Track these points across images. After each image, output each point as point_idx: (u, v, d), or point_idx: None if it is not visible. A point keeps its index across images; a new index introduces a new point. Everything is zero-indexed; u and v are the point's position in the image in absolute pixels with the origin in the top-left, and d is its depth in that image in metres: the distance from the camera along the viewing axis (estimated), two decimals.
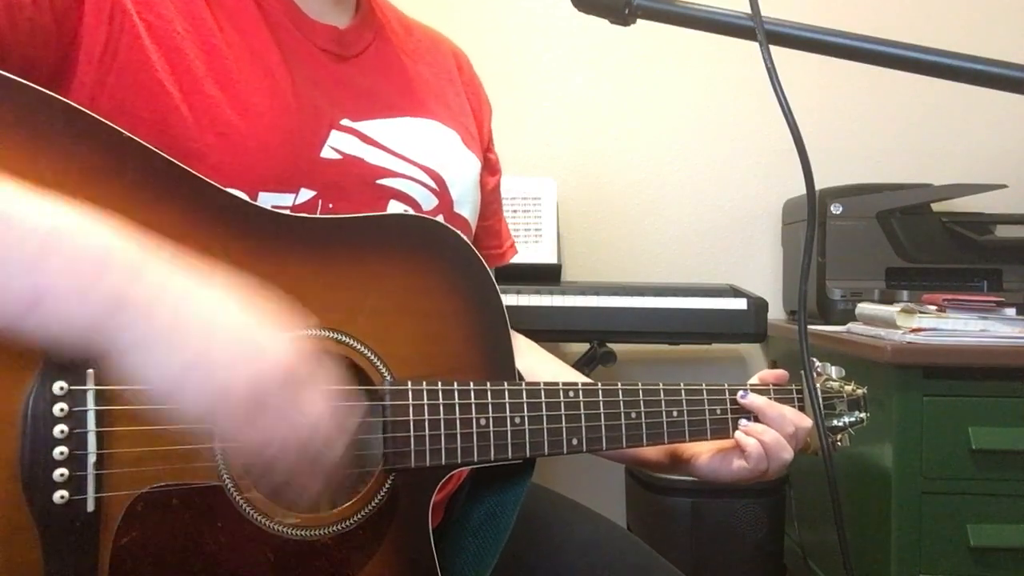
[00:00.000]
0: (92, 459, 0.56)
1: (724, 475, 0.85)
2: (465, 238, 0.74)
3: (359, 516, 0.66)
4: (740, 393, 0.85)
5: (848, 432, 0.92)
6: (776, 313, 1.87)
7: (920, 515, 1.33)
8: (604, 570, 0.84)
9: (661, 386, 0.81)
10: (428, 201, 0.80)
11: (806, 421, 0.85)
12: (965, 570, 1.33)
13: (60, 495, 0.54)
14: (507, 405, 0.73)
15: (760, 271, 2.05)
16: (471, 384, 0.71)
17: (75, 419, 0.55)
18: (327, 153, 0.74)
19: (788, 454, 0.83)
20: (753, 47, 0.69)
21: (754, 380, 0.90)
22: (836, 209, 1.73)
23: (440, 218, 0.80)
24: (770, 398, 0.86)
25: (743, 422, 0.84)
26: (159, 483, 0.58)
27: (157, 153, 0.61)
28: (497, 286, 0.76)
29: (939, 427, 1.32)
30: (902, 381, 1.33)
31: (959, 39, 1.91)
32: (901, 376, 1.33)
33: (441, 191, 0.82)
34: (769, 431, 0.83)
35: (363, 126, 0.77)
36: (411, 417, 0.68)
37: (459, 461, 0.70)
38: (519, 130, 2.02)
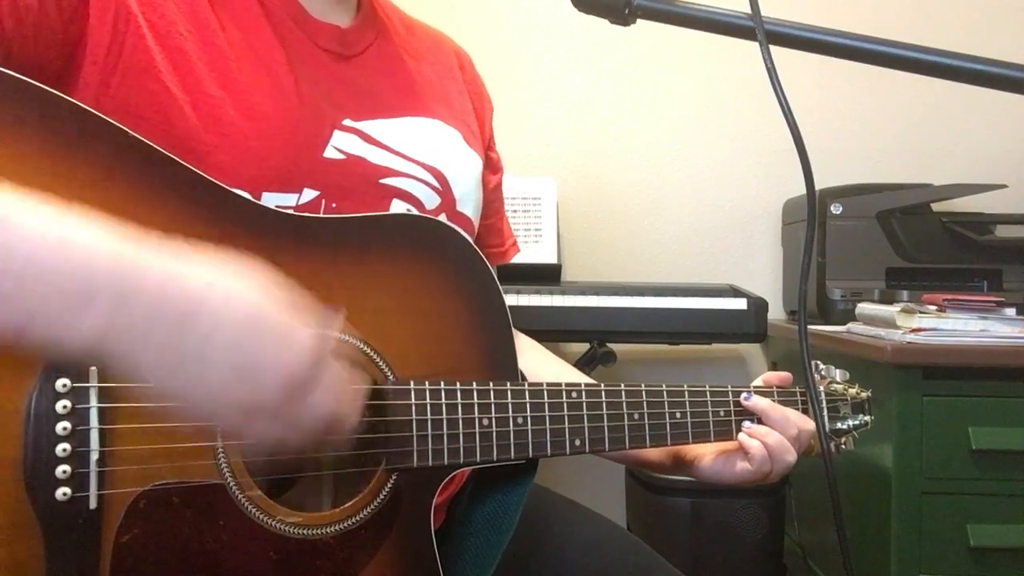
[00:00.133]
0: (95, 456, 0.56)
1: (727, 477, 0.85)
2: (468, 237, 0.74)
3: (361, 515, 0.66)
4: (743, 395, 0.85)
5: (852, 435, 0.92)
6: (776, 313, 1.87)
7: (920, 515, 1.33)
8: (605, 571, 0.84)
9: (664, 387, 0.81)
10: (431, 200, 0.80)
11: (810, 423, 0.85)
12: (965, 570, 1.33)
13: (63, 492, 0.55)
14: (510, 405, 0.73)
15: (760, 271, 2.05)
16: (474, 384, 0.71)
17: (78, 416, 0.55)
18: (330, 153, 0.74)
19: (792, 456, 0.83)
20: (753, 47, 0.69)
21: (758, 382, 0.90)
22: (836, 209, 1.73)
23: (443, 217, 0.80)
24: (774, 400, 0.85)
25: (747, 424, 0.84)
26: (161, 481, 0.58)
27: (162, 152, 0.61)
28: (500, 286, 0.76)
29: (939, 427, 1.33)
30: (902, 381, 1.33)
31: (959, 39, 1.91)
32: (901, 376, 1.33)
33: (444, 190, 0.82)
34: (773, 433, 0.83)
35: (365, 126, 0.77)
36: (414, 417, 0.68)
37: (461, 461, 0.70)
38: (519, 130, 2.02)
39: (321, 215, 0.72)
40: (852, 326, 1.56)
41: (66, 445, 0.55)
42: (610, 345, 1.64)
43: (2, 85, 0.55)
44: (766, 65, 0.68)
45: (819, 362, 0.94)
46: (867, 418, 0.93)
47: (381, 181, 0.77)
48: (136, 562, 0.57)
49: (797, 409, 0.87)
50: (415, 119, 0.83)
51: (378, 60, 0.83)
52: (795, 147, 0.70)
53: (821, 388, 0.91)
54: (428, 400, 0.69)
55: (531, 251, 1.75)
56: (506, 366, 0.75)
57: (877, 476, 1.38)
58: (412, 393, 0.68)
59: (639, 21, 0.73)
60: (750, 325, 1.59)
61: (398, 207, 0.78)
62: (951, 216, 1.75)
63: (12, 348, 0.48)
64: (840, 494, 0.79)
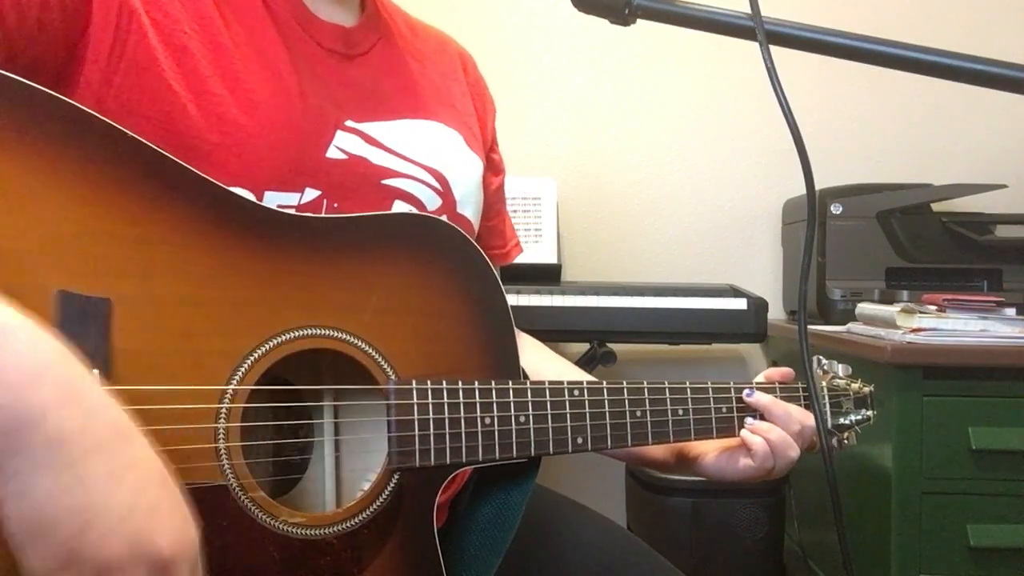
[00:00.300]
0: None
1: (730, 474, 0.85)
2: (469, 237, 0.74)
3: (364, 515, 0.67)
4: (746, 391, 0.85)
5: (855, 430, 0.93)
6: (776, 313, 1.87)
7: (920, 515, 1.33)
8: (605, 571, 0.84)
9: (666, 384, 0.81)
10: (432, 201, 0.81)
11: (812, 419, 0.85)
12: (965, 570, 1.33)
13: None
14: (512, 404, 0.73)
15: (760, 271, 2.05)
16: (476, 383, 0.71)
17: None
18: (332, 153, 0.74)
19: (794, 452, 0.83)
20: (753, 47, 0.69)
21: (760, 378, 0.90)
22: (836, 209, 1.73)
23: (443, 219, 0.80)
24: (776, 396, 0.86)
25: (749, 420, 0.84)
26: None
27: (161, 153, 0.61)
28: (502, 285, 0.76)
29: (939, 427, 1.33)
30: (902, 381, 1.33)
31: (959, 39, 1.91)
32: (901, 376, 1.33)
33: (444, 192, 0.82)
34: (775, 429, 0.83)
35: (367, 127, 0.78)
36: (416, 416, 0.68)
37: (464, 460, 0.70)
38: (519, 130, 2.02)
39: (323, 215, 0.72)
40: (852, 326, 1.56)
41: None
42: (610, 345, 1.64)
43: (2, 88, 0.55)
44: (766, 65, 0.69)
45: (821, 357, 0.94)
46: (870, 413, 0.93)
47: (383, 182, 0.77)
48: None
49: (799, 405, 0.87)
50: (417, 121, 0.83)
51: (381, 60, 0.83)
52: (795, 147, 0.70)
53: (823, 384, 0.91)
54: (430, 399, 0.69)
55: (531, 251, 1.75)
56: (508, 365, 0.75)
57: (877, 476, 1.38)
58: (414, 392, 0.69)
59: (639, 21, 0.73)
60: (750, 325, 1.59)
61: (400, 208, 0.78)
62: (951, 216, 1.75)
63: None
64: (840, 494, 0.79)
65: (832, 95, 2.01)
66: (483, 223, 0.92)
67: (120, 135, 0.59)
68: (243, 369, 0.61)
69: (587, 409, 0.77)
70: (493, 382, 0.72)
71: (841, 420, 0.91)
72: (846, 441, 0.92)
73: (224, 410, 0.60)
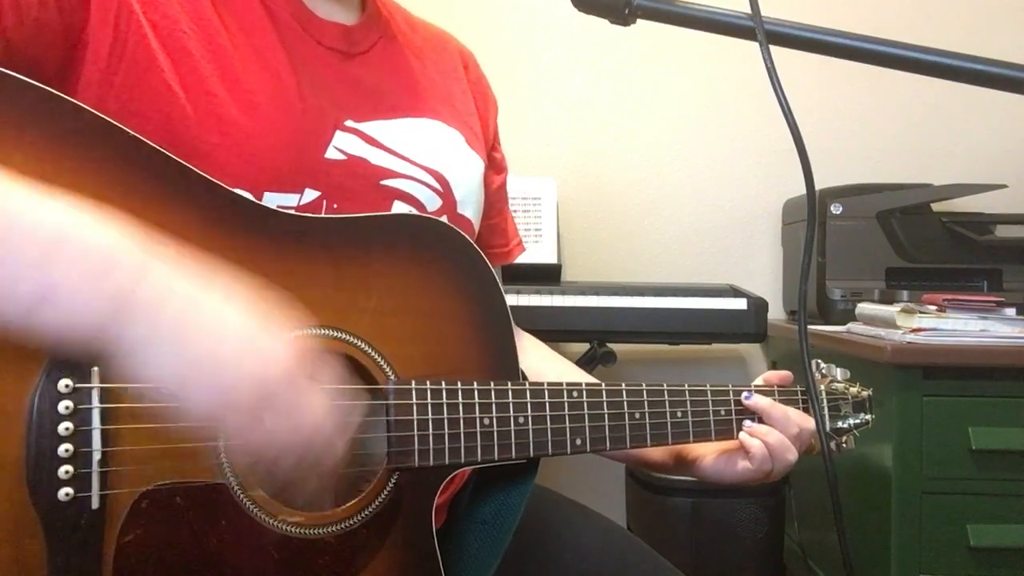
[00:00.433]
0: (97, 456, 0.56)
1: (729, 476, 0.85)
2: (469, 238, 0.74)
3: (363, 515, 0.67)
4: (744, 394, 0.85)
5: (853, 434, 0.92)
6: (776, 313, 1.87)
7: (920, 515, 1.33)
8: (605, 571, 0.84)
9: (665, 386, 0.81)
10: (432, 202, 0.81)
11: (810, 422, 0.85)
12: (965, 570, 1.33)
13: (65, 492, 0.55)
14: (511, 405, 0.73)
15: (760, 271, 2.05)
16: (475, 384, 0.71)
17: (80, 417, 0.55)
18: (332, 154, 0.74)
19: (793, 455, 0.83)
20: (753, 47, 0.69)
21: (758, 381, 0.90)
22: (836, 209, 1.73)
23: (444, 219, 0.80)
24: (774, 399, 0.86)
25: (747, 423, 0.84)
26: (163, 481, 0.58)
27: (163, 152, 0.61)
28: (501, 285, 0.76)
29: (939, 427, 1.33)
30: (902, 381, 1.33)
31: (959, 39, 1.91)
32: (901, 376, 1.33)
33: (445, 192, 0.82)
34: (773, 432, 0.83)
35: (367, 127, 0.77)
36: (415, 416, 0.68)
37: (463, 461, 0.70)
38: (519, 130, 2.02)
39: (323, 215, 0.72)
40: (852, 326, 1.56)
41: (68, 445, 0.55)
42: (610, 345, 1.64)
43: (4, 85, 0.55)
44: (766, 65, 0.69)
45: (820, 361, 0.94)
46: (868, 417, 0.93)
47: (383, 183, 0.77)
48: (138, 562, 0.57)
49: (798, 408, 0.87)
50: (417, 120, 0.83)
51: (382, 59, 0.83)
52: (795, 147, 0.70)
53: (822, 387, 0.91)
54: (429, 400, 0.69)
55: (531, 251, 1.75)
56: (507, 366, 0.75)
57: (877, 476, 1.38)
58: (413, 393, 0.69)
59: (639, 21, 0.73)
60: (750, 325, 1.59)
61: (399, 209, 0.78)
62: (951, 216, 1.75)
63: (23, 327, 0.49)
64: (840, 494, 0.79)
65: (832, 95, 2.01)
66: (485, 221, 0.92)
67: (121, 134, 0.59)
68: None
69: (586, 411, 0.77)
70: (492, 383, 0.72)
71: (839, 424, 0.91)
72: (844, 445, 0.92)
73: None
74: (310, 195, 0.72)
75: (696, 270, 2.05)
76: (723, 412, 0.84)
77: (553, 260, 1.77)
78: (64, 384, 0.55)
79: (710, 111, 2.05)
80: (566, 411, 0.76)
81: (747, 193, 2.06)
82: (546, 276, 1.74)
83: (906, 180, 1.81)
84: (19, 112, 0.55)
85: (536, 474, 0.78)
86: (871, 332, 1.46)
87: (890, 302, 1.56)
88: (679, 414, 0.81)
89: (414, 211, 0.79)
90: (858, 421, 0.92)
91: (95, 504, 0.56)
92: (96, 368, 0.56)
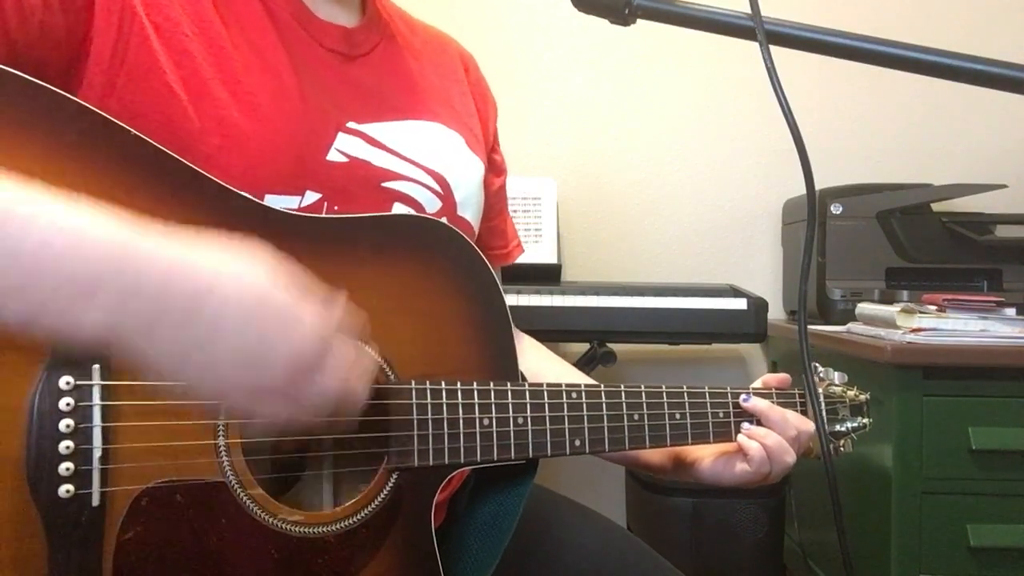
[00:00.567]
0: (97, 454, 0.56)
1: (727, 479, 0.85)
2: (468, 238, 0.74)
3: (362, 515, 0.67)
4: (742, 396, 0.85)
5: (851, 437, 0.92)
6: (776, 313, 1.87)
7: (920, 515, 1.33)
8: (605, 571, 0.84)
9: (664, 388, 0.81)
10: (432, 204, 0.81)
11: (809, 425, 0.85)
12: (965, 570, 1.33)
13: (65, 489, 0.55)
14: (510, 405, 0.73)
15: (760, 271, 2.05)
16: (474, 384, 0.71)
17: (81, 414, 0.56)
18: (333, 156, 0.74)
19: (791, 458, 0.83)
20: (753, 47, 0.69)
21: (757, 384, 0.90)
22: (836, 209, 1.73)
23: (443, 220, 0.80)
24: (773, 402, 0.86)
25: (745, 425, 0.84)
26: (164, 478, 0.58)
27: (166, 153, 0.61)
28: (501, 286, 0.76)
29: (939, 427, 1.33)
30: (902, 381, 1.33)
31: (959, 39, 1.92)
32: (901, 376, 1.33)
33: (445, 194, 0.82)
34: (772, 435, 0.83)
35: (368, 128, 0.77)
36: (414, 416, 0.68)
37: (462, 461, 0.70)
38: (519, 130, 2.02)
39: (324, 215, 0.72)
40: (852, 326, 1.56)
41: (69, 442, 0.55)
42: (610, 345, 1.64)
43: (9, 85, 0.55)
44: (766, 65, 0.69)
45: (818, 364, 0.94)
46: (866, 420, 0.93)
47: (383, 184, 0.77)
48: (138, 559, 0.58)
49: (796, 411, 0.87)
50: (418, 122, 0.83)
51: (383, 61, 0.83)
52: (795, 147, 0.70)
53: (820, 390, 0.91)
54: (429, 400, 0.69)
55: (531, 251, 1.75)
56: (506, 366, 0.75)
57: (877, 476, 1.38)
58: (413, 393, 0.69)
59: (639, 21, 0.73)
60: (750, 325, 1.59)
61: (399, 211, 0.78)
62: (951, 216, 1.75)
63: (22, 338, 0.49)
64: (840, 494, 0.79)
65: (832, 95, 2.01)
66: (484, 223, 0.92)
67: (126, 135, 0.59)
68: None
69: (585, 412, 0.77)
70: (492, 383, 0.72)
71: (837, 427, 0.91)
72: (842, 448, 0.92)
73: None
74: (311, 197, 0.72)
75: (696, 270, 2.06)
76: (721, 414, 0.84)
77: (553, 260, 1.77)
78: (65, 381, 0.55)
79: (710, 111, 2.05)
80: (565, 412, 0.76)
81: (747, 193, 2.06)
82: (546, 276, 1.74)
83: (906, 180, 1.81)
84: (24, 112, 0.55)
85: (535, 474, 0.78)
86: (871, 332, 1.46)
87: (890, 302, 1.56)
88: (677, 416, 0.81)
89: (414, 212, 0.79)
90: (855, 425, 0.92)
91: (95, 501, 0.56)
92: (97, 365, 0.56)
